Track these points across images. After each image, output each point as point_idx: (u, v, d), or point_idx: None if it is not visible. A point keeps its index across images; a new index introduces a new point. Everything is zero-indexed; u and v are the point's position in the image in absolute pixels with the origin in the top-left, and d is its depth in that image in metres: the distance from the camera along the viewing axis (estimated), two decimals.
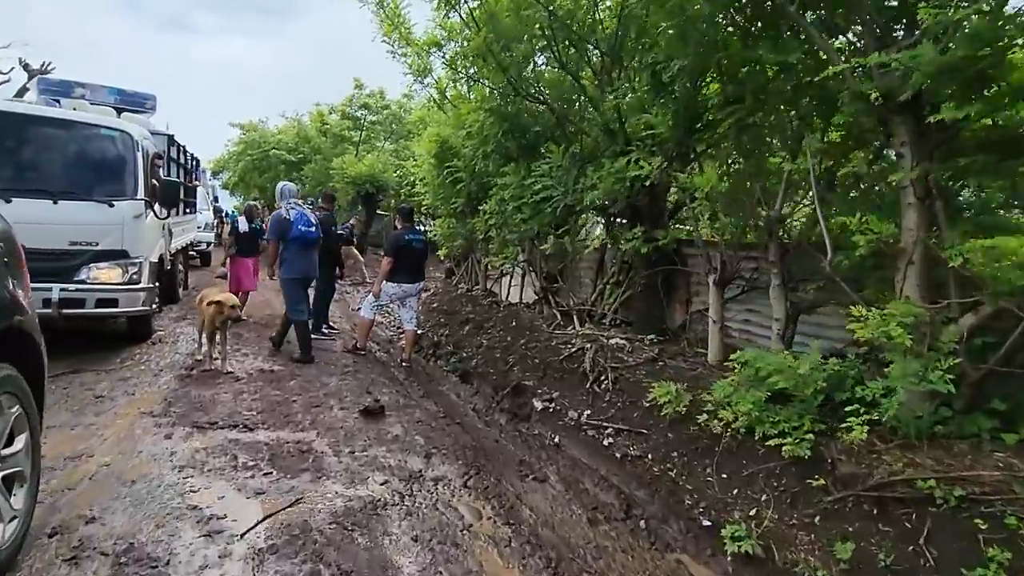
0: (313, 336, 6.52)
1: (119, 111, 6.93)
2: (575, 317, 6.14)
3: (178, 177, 8.52)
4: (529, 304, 7.45)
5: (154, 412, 4.08)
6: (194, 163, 10.62)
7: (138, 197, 5.38)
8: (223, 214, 31.02)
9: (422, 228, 8.93)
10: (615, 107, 4.99)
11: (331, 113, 20.49)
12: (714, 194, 4.09)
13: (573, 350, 5.18)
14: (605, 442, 4.08)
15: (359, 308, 6.42)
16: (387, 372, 5.97)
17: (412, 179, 10.95)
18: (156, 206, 5.76)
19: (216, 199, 33.43)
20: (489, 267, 8.82)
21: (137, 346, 5.79)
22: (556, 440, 4.40)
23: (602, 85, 5.50)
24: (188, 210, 10.26)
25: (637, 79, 5.23)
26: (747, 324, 5.02)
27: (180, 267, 9.14)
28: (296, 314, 5.82)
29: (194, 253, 12.76)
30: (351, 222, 13.34)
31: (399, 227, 6.29)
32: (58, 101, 6.92)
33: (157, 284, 6.09)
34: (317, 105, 21.62)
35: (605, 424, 4.19)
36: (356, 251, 13.61)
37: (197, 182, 10.61)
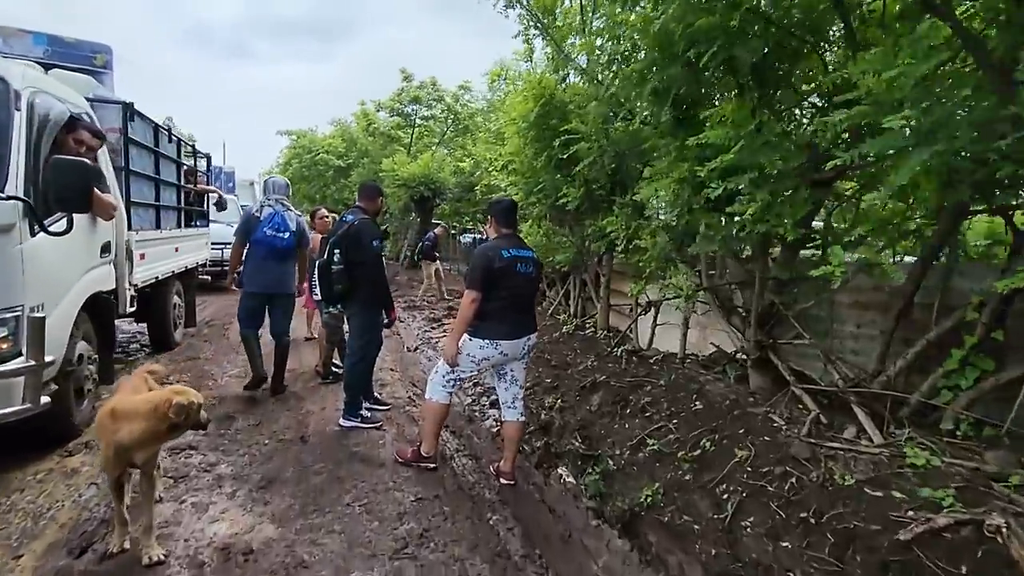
0: (348, 421, 4.13)
1: (48, 67, 4.46)
2: (860, 411, 3.07)
3: (165, 174, 6.05)
4: (706, 360, 4.40)
5: None
6: (204, 161, 8.26)
7: (3, 194, 2.77)
8: None
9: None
10: None
11: (378, 110, 18.19)
12: None
13: (936, 524, 2.14)
14: None
15: (432, 375, 3.56)
16: (477, 515, 3.08)
17: (488, 167, 8.14)
18: (77, 215, 3.16)
19: None
20: (610, 292, 5.87)
21: (31, 464, 3.21)
22: None
23: None
24: (196, 222, 7.88)
25: None
26: None
27: (178, 298, 6.70)
28: (243, 326, 4.73)
29: (207, 276, 10.41)
30: (435, 231, 10.67)
31: (491, 235, 3.47)
32: None
33: (79, 357, 3.53)
34: (362, 104, 19.40)
35: None
36: (435, 269, 10.90)
37: (208, 185, 8.19)
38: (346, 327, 4.61)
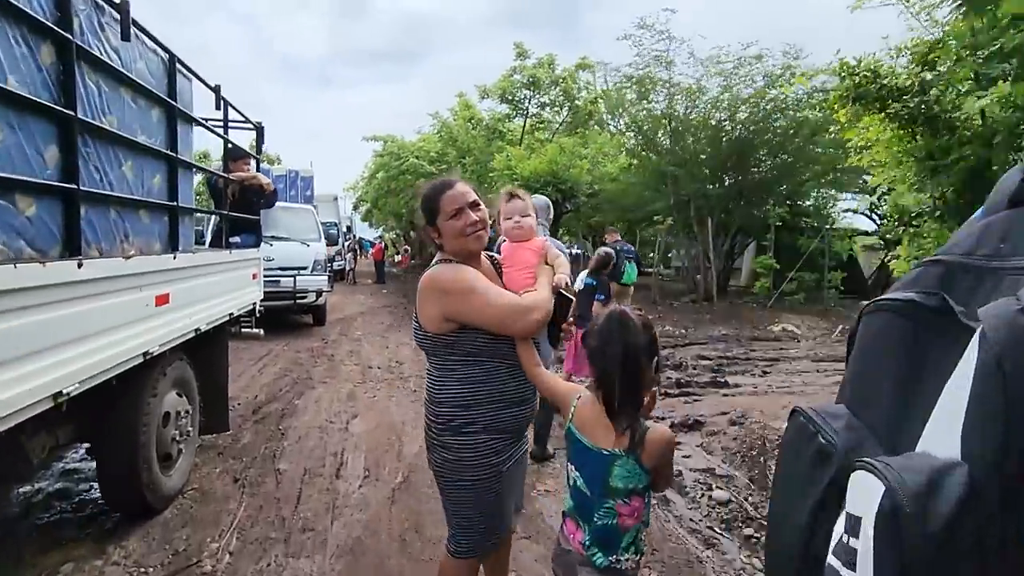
0: None
1: None
2: None
3: (182, 150, 2.60)
4: None
5: None
6: (256, 140, 4.86)
7: None
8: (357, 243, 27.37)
9: None
10: None
11: (483, 98, 14.77)
12: None
13: None
14: None
15: None
16: None
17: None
18: None
19: (350, 229, 30.26)
20: None
21: None
22: None
23: None
24: (237, 238, 4.50)
25: None
26: None
27: (179, 395, 3.21)
28: None
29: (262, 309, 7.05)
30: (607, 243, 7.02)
31: None
32: None
33: None
34: (461, 95, 16.10)
35: None
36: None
37: (252, 172, 4.66)
38: None
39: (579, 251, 15.13)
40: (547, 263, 1.92)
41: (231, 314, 3.97)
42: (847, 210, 16.24)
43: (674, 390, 5.92)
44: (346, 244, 22.76)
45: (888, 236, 12.87)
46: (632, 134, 15.38)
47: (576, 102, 14.64)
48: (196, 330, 3.26)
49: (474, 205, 1.80)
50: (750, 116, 12.63)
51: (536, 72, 13.56)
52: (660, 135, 14.49)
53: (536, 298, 1.76)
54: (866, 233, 16.24)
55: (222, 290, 3.76)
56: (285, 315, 9.80)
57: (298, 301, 9.04)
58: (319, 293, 9.28)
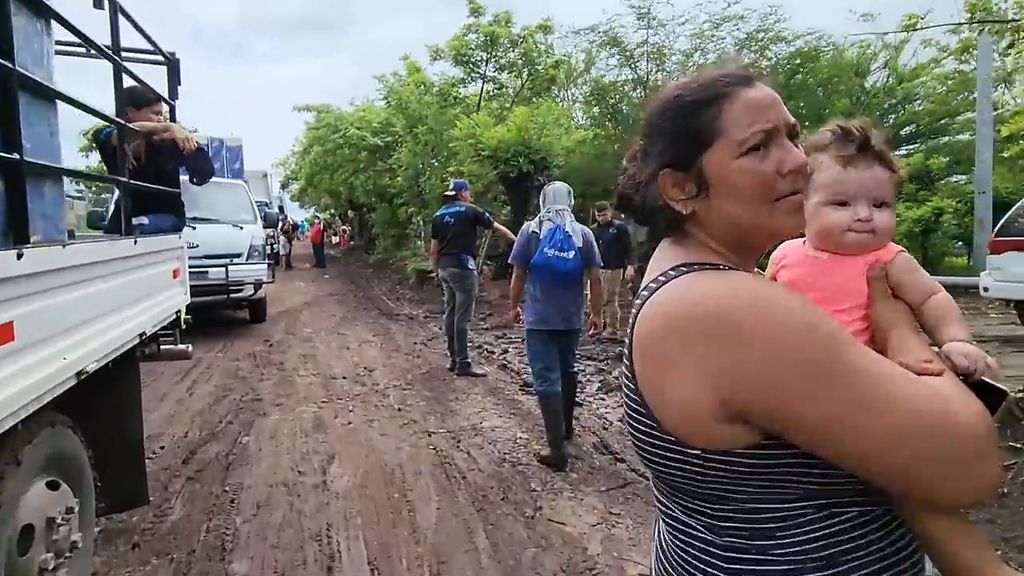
0: None
1: None
2: None
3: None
4: None
5: None
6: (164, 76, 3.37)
7: None
8: (289, 226, 25.07)
9: None
10: None
11: (435, 59, 13.20)
12: None
13: None
14: None
15: None
16: None
17: None
18: None
19: (281, 208, 27.74)
20: None
21: None
22: None
23: None
24: (145, 219, 3.09)
25: None
26: None
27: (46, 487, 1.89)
28: (539, 383, 3.57)
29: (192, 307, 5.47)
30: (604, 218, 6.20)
31: None
32: None
33: None
34: (406, 57, 14.43)
35: None
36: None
37: (166, 122, 3.19)
38: None
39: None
40: (896, 295, 0.81)
41: (142, 334, 2.60)
42: None
43: None
44: (280, 226, 20.71)
45: None
46: (594, 102, 14.41)
47: (536, 67, 13.39)
48: (80, 374, 1.92)
49: (794, 131, 0.73)
50: None
51: (494, 29, 12.17)
52: (625, 103, 13.59)
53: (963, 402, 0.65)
54: None
55: (123, 300, 2.38)
56: (215, 312, 8.17)
57: (232, 296, 7.46)
58: (258, 285, 7.73)
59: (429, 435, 4.06)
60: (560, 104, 15.24)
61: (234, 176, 9.27)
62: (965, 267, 13.18)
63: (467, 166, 10.71)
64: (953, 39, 15.98)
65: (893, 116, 16.40)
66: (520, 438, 4.02)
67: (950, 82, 15.61)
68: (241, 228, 7.72)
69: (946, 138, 15.76)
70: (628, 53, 12.15)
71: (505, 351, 7.02)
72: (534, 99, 13.35)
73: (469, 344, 6.08)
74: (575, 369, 4.24)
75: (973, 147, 14.29)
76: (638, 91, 12.98)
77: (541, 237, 3.60)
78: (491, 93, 14.10)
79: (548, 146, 10.07)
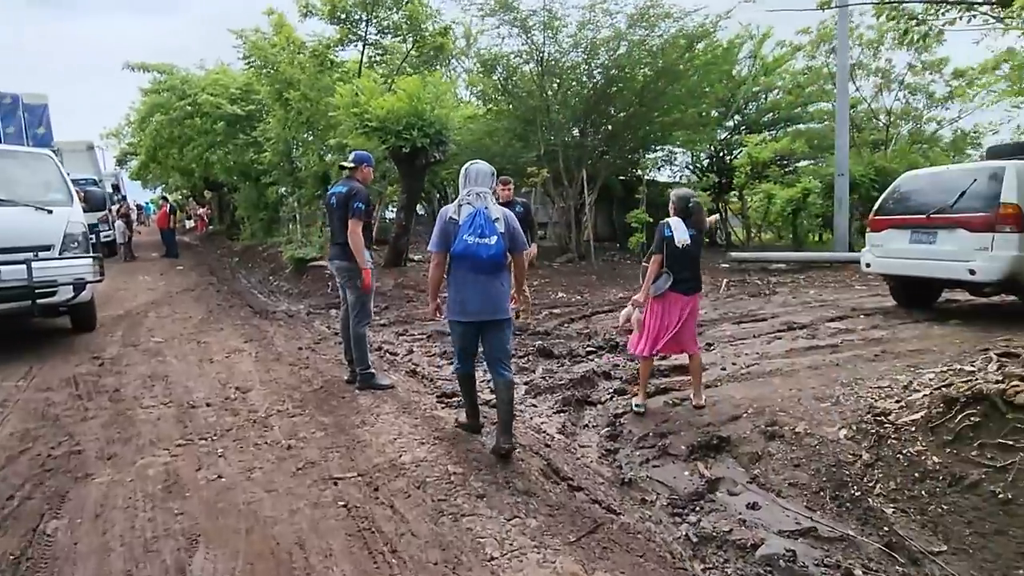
0: None
1: None
2: None
3: None
4: None
5: None
6: None
7: None
8: (130, 208, 21.25)
9: None
10: None
11: (306, 16, 11.43)
12: None
13: None
14: None
15: None
16: None
17: None
18: None
19: (117, 188, 23.51)
20: None
21: None
22: None
23: None
24: None
25: None
26: None
27: None
28: (456, 363, 3.65)
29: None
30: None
31: None
32: None
33: None
34: (270, 11, 12.39)
35: None
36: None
37: None
38: None
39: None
40: None
41: None
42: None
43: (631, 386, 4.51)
44: (115, 209, 17.43)
45: None
46: (483, 74, 13.61)
47: (423, 32, 12.18)
48: None
49: None
50: (612, 58, 11.72)
51: None
52: (519, 78, 12.96)
53: None
54: None
55: None
56: (19, 323, 6.26)
57: (40, 301, 5.65)
58: (80, 285, 5.95)
59: (335, 483, 3.08)
60: (449, 76, 14.21)
61: (37, 144, 7.12)
62: (825, 244, 14.51)
63: (351, 139, 9.36)
64: (805, 38, 17.42)
65: (755, 104, 17.63)
66: (455, 474, 3.20)
67: (802, 77, 17.06)
68: (50, 212, 5.86)
69: (803, 126, 17.22)
70: (521, 22, 11.45)
71: (410, 351, 6.08)
72: (422, 68, 12.20)
73: (368, 347, 5.06)
74: (511, 374, 3.54)
75: (826, 134, 15.76)
76: (531, 64, 12.40)
77: (460, 223, 3.34)
78: (373, 59, 12.65)
79: (444, 118, 9.08)
